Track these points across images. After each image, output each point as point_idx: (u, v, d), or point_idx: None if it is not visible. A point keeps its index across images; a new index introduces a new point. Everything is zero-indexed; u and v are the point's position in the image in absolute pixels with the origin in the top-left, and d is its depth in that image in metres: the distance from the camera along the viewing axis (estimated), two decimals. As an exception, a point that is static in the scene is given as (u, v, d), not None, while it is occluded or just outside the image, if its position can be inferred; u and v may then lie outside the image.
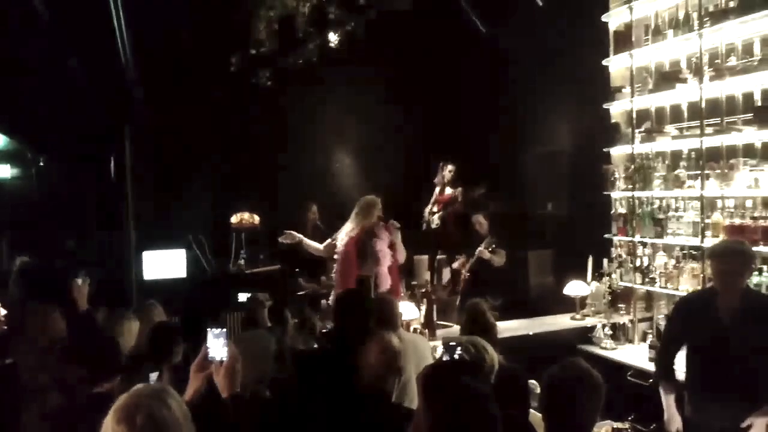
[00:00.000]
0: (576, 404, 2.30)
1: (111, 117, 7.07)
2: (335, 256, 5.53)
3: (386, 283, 5.36)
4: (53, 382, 2.43)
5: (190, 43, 6.88)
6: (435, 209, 7.30)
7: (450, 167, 7.26)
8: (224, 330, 2.26)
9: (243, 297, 5.75)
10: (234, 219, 7.50)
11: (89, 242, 7.73)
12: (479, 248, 6.28)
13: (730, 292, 3.22)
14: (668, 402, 3.41)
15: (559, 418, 2.33)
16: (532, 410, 3.06)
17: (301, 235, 5.68)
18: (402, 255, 5.58)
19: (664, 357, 3.56)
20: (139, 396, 1.82)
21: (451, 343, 2.41)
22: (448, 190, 7.31)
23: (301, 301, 6.46)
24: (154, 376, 3.26)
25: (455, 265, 6.68)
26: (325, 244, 5.67)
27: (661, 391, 3.47)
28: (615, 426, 3.20)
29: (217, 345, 2.25)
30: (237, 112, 7.65)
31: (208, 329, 2.27)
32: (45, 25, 6.06)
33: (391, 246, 5.46)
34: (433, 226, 7.30)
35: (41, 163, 8.26)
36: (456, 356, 2.48)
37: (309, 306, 5.85)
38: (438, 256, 7.47)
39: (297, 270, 7.01)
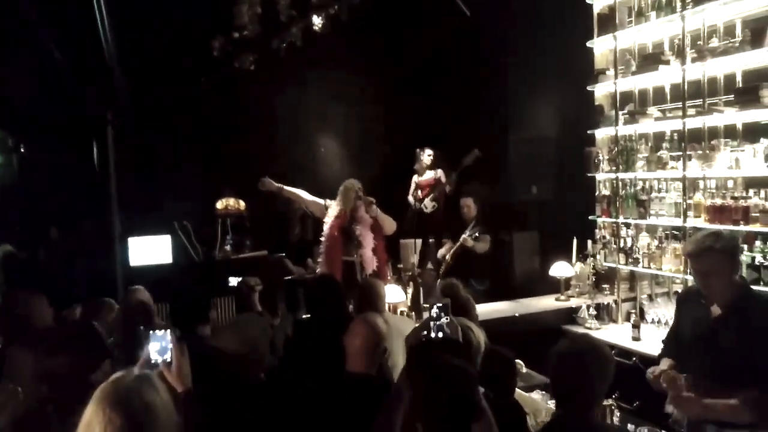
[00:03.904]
0: (585, 376, 2.30)
1: (93, 103, 6.98)
2: (321, 244, 5.59)
3: (371, 265, 5.42)
4: (43, 373, 2.41)
5: (173, 27, 6.80)
6: (420, 194, 7.22)
7: (429, 152, 7.23)
8: (167, 331, 2.21)
9: (233, 281, 5.76)
10: (219, 205, 7.45)
11: (73, 230, 7.65)
12: (463, 235, 6.33)
13: (711, 293, 2.85)
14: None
15: (568, 390, 2.34)
16: (518, 389, 3.10)
17: (280, 184, 5.78)
18: (389, 225, 5.65)
19: (665, 347, 3.25)
20: (127, 382, 1.80)
21: (434, 321, 2.37)
22: (429, 174, 7.28)
23: (288, 285, 6.46)
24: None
25: (442, 250, 6.71)
26: (315, 199, 5.75)
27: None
28: (599, 403, 3.23)
29: (159, 347, 2.19)
30: (221, 97, 7.58)
31: (150, 332, 2.20)
32: (26, 12, 5.96)
33: (374, 225, 5.51)
34: (428, 210, 7.26)
35: (22, 150, 8.13)
36: (439, 334, 2.46)
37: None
38: (428, 240, 7.47)
39: (283, 254, 6.99)
